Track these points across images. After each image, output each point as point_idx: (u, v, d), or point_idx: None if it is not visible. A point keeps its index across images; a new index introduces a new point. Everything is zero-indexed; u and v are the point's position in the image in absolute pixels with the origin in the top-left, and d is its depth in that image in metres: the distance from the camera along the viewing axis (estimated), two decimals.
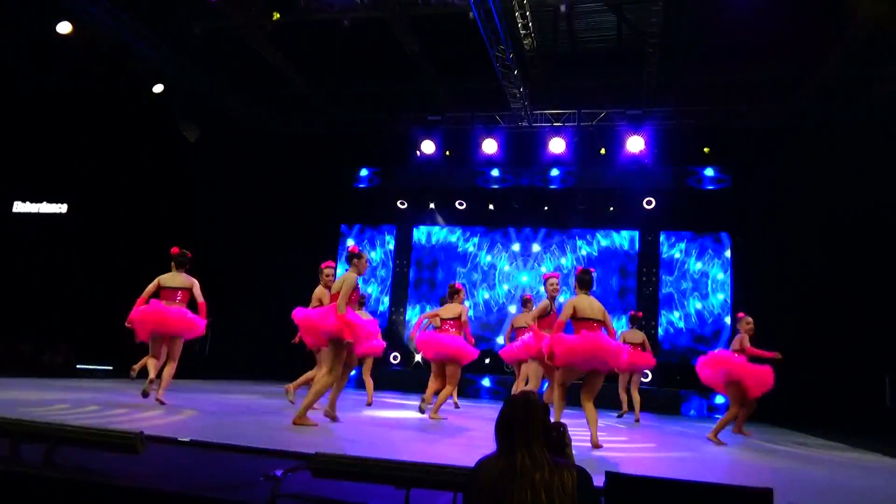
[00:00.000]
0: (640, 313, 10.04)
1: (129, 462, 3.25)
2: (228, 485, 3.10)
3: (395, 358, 13.49)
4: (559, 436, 2.27)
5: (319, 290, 7.22)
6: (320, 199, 14.07)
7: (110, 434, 3.13)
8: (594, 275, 5.98)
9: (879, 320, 10.33)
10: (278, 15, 9.60)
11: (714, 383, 7.18)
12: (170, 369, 6.54)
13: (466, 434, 5.91)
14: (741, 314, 7.35)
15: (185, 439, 4.03)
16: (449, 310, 7.57)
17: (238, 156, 13.42)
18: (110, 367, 11.43)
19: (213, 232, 12.99)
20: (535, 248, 13.68)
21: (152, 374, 6.42)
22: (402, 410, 8.16)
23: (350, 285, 5.64)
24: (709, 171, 12.71)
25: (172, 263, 6.91)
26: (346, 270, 5.87)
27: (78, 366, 11.08)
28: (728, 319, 12.30)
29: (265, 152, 13.70)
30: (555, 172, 13.40)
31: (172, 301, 6.64)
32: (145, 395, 6.29)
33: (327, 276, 7.20)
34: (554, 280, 6.49)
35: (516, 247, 13.78)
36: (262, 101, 13.23)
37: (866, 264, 10.65)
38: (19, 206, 13.91)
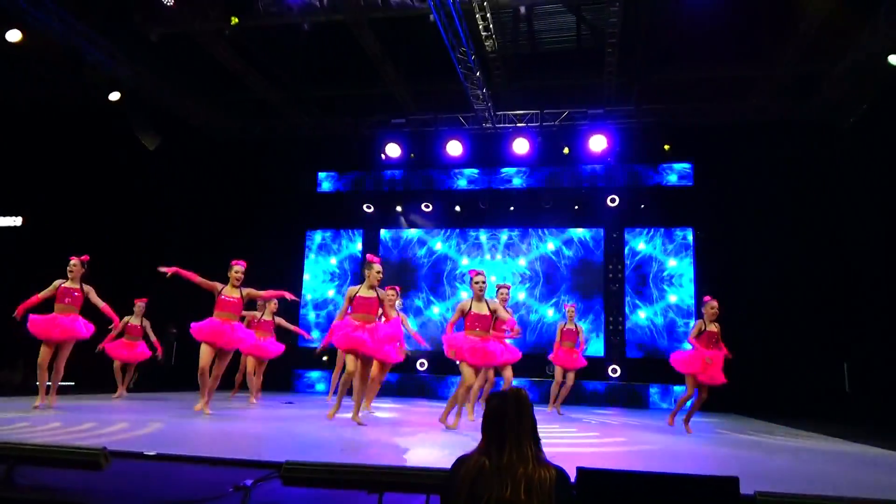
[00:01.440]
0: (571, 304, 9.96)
1: (92, 479, 3.17)
2: (197, 497, 3.04)
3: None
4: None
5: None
6: (285, 205, 13.93)
7: (72, 451, 3.05)
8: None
9: (837, 310, 10.65)
10: (236, 20, 9.50)
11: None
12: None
13: (439, 435, 5.90)
14: (707, 297, 7.39)
15: (151, 453, 3.94)
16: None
17: (200, 163, 13.22)
18: (72, 384, 11.12)
19: (176, 240, 12.76)
20: (501, 249, 13.75)
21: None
22: (380, 412, 8.11)
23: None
24: (670, 168, 12.93)
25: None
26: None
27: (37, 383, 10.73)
28: (692, 311, 12.53)
29: (227, 159, 13.51)
30: (517, 173, 13.48)
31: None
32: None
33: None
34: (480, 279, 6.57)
35: (483, 248, 13.83)
36: (223, 107, 13.05)
37: (824, 255, 10.97)
38: None
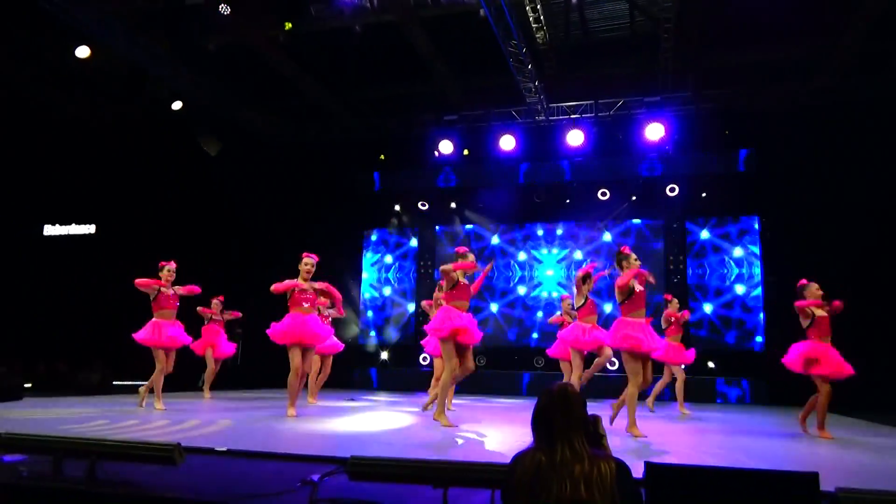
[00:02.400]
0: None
1: (168, 474, 3.29)
2: (266, 492, 3.11)
3: (424, 359, 13.50)
4: (595, 428, 2.25)
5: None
6: (342, 206, 14.13)
7: (149, 447, 3.17)
8: None
9: None
10: (290, 25, 9.68)
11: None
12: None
13: (501, 431, 5.88)
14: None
15: (222, 449, 4.06)
16: None
17: (259, 167, 13.55)
18: (145, 383, 11.59)
19: (239, 244, 13.13)
20: (557, 242, 13.61)
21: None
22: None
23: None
24: (731, 155, 12.50)
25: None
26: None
27: (114, 382, 11.26)
28: (759, 303, 12.10)
29: (285, 162, 13.81)
30: (572, 165, 13.29)
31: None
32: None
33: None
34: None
35: (540, 241, 13.71)
36: (279, 112, 13.35)
37: (892, 238, 10.40)
38: (49, 230, 14.24)
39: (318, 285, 7.10)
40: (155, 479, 3.20)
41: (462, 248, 6.36)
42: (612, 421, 6.00)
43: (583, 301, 7.15)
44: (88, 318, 12.81)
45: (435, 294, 8.15)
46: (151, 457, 3.12)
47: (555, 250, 13.60)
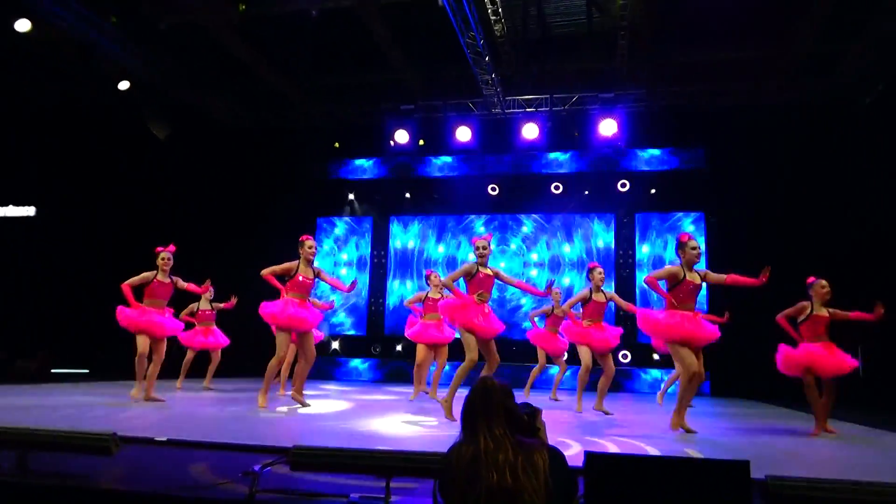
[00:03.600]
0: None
1: (103, 464, 3.20)
2: (206, 483, 3.06)
3: (375, 349, 13.47)
4: (530, 419, 2.30)
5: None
6: (296, 193, 13.94)
7: (83, 436, 3.07)
8: None
9: (852, 294, 10.49)
10: (244, 7, 9.46)
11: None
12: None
13: (445, 420, 5.90)
14: (812, 278, 7.51)
15: (162, 438, 3.97)
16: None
17: (210, 152, 13.24)
18: (86, 371, 11.26)
19: (188, 231, 12.82)
20: (510, 234, 13.71)
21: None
22: (382, 394, 8.13)
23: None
24: (682, 153, 12.78)
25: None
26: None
27: (53, 370, 10.89)
28: (704, 297, 12.44)
29: (238, 148, 13.52)
30: (527, 158, 13.39)
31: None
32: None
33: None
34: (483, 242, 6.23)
35: (492, 233, 13.79)
36: (233, 96, 13.05)
37: (840, 238, 10.81)
38: None
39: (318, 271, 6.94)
40: (90, 470, 3.11)
41: (477, 239, 6.20)
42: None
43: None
44: (26, 305, 12.34)
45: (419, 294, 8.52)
46: (86, 447, 3.02)
47: (513, 245, 13.69)
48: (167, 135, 12.10)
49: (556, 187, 13.20)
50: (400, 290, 13.92)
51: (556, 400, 8.97)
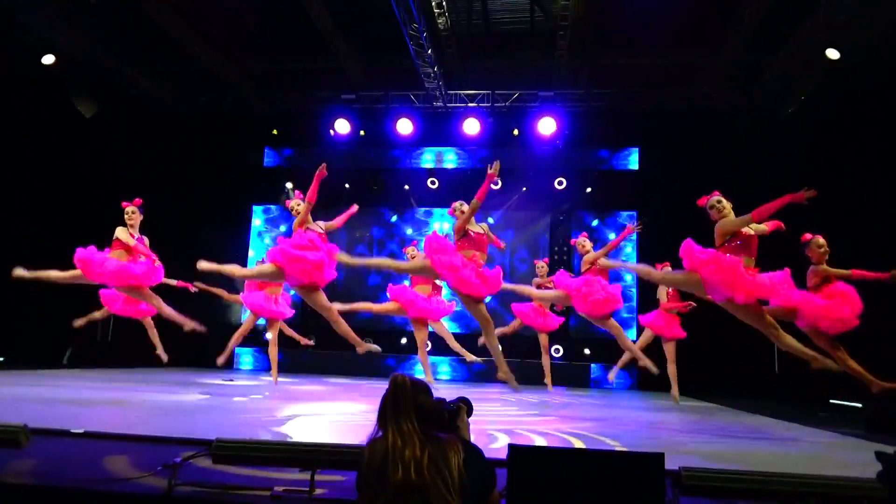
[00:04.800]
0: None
1: (12, 457, 3.05)
2: (124, 476, 2.96)
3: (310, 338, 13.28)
4: (451, 415, 2.31)
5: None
6: (230, 179, 13.59)
7: None
8: None
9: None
10: None
11: None
12: None
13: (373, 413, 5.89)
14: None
15: (78, 430, 3.81)
16: None
17: (141, 133, 12.73)
18: (1, 359, 10.69)
19: (115, 215, 12.30)
20: (448, 228, 13.76)
21: None
22: (307, 385, 8.06)
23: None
24: (618, 153, 13.12)
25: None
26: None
27: None
28: (633, 293, 12.83)
29: (170, 130, 13.05)
30: (467, 153, 13.47)
31: None
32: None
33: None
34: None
35: (429, 227, 13.82)
36: (167, 76, 12.58)
37: (760, 240, 11.31)
38: None
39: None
40: None
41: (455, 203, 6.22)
42: None
43: None
44: None
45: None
46: None
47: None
48: (94, 113, 11.55)
49: (495, 182, 13.29)
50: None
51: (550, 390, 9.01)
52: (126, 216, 7.01)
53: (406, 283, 8.75)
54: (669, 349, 8.43)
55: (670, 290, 8.36)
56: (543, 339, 9.13)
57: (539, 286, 9.06)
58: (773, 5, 9.05)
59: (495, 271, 6.16)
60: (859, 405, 7.74)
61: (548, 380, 9.33)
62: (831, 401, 9.27)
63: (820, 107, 10.20)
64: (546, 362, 9.20)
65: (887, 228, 9.18)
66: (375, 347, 6.57)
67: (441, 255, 5.81)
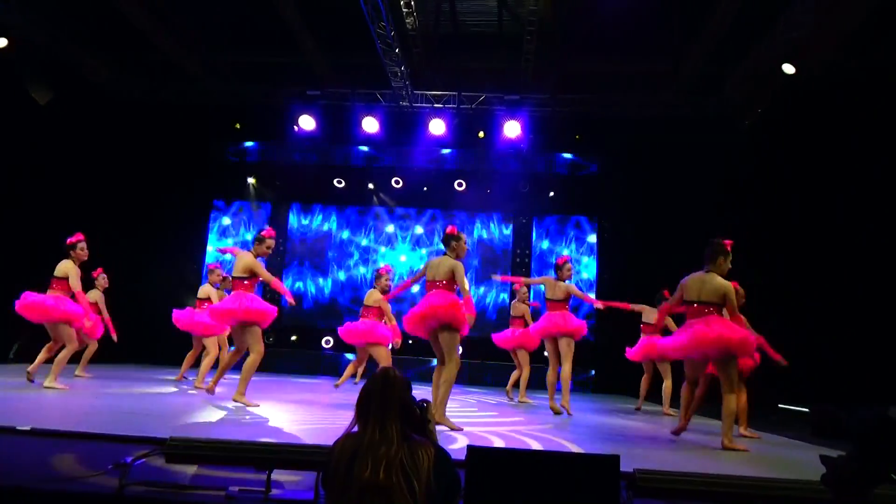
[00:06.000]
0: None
1: None
2: (73, 475, 2.88)
3: (269, 339, 13.13)
4: (422, 412, 2.28)
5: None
6: (192, 173, 13.32)
7: None
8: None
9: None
10: None
11: None
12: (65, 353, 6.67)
13: (335, 414, 5.86)
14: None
15: (25, 427, 3.69)
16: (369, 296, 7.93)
17: (99, 124, 12.36)
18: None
19: (70, 207, 11.96)
20: (417, 229, 13.77)
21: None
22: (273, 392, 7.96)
23: (462, 271, 5.53)
24: (580, 158, 13.29)
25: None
26: (444, 254, 5.65)
27: None
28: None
29: (130, 121, 12.71)
30: (432, 154, 13.49)
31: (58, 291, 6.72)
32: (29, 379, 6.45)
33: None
34: None
35: (391, 227, 13.80)
36: (127, 66, 12.25)
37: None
38: None
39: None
40: None
41: (453, 230, 5.77)
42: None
43: None
44: None
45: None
46: None
47: (410, 238, 13.73)
48: (48, 100, 11.18)
49: (459, 184, 13.37)
50: (292, 281, 13.64)
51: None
52: (79, 251, 6.87)
53: None
54: (665, 367, 8.48)
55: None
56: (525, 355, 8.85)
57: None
58: (733, 20, 9.29)
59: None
60: (806, 410, 7.99)
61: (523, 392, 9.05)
62: (780, 405, 9.54)
63: (776, 120, 10.50)
64: (526, 376, 8.89)
65: (844, 237, 9.48)
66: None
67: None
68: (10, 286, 7.63)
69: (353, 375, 9.04)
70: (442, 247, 5.79)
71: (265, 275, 6.23)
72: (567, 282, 7.27)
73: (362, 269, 13.67)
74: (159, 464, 2.87)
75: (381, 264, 10.23)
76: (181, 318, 8.15)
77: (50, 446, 3.44)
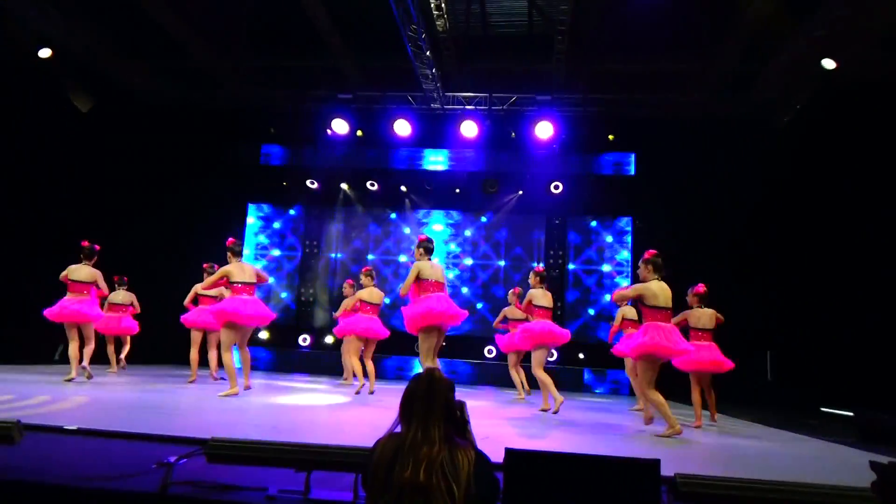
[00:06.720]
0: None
1: (5, 453, 3.02)
2: (118, 474, 2.94)
3: (304, 340, 13.28)
4: (461, 412, 2.29)
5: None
6: (226, 177, 13.55)
7: None
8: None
9: (762, 301, 11.10)
10: None
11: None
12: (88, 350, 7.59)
13: (371, 416, 5.89)
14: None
15: (72, 427, 3.79)
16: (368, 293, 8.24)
17: (136, 129, 12.66)
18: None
19: (109, 211, 12.26)
20: (444, 229, 13.77)
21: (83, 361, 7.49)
22: (312, 394, 8.04)
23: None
24: (614, 158, 13.16)
25: (81, 255, 7.57)
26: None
27: None
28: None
29: (165, 126, 12.99)
30: (464, 156, 13.48)
31: (81, 294, 7.48)
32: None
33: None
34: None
35: (425, 228, 13.82)
36: (163, 72, 12.52)
37: (752, 248, 11.39)
38: None
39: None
40: None
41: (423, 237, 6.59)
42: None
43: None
44: None
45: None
46: None
47: (445, 241, 13.75)
48: (90, 108, 11.48)
49: (491, 186, 13.33)
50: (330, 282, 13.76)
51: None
52: (90, 254, 7.66)
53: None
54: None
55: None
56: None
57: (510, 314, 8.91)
58: (768, 15, 9.10)
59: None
60: (851, 414, 7.78)
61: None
62: (822, 409, 9.31)
63: (815, 117, 10.26)
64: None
65: (884, 234, 9.24)
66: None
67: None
68: (51, 290, 7.91)
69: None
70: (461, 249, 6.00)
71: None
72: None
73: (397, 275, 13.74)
74: (200, 463, 2.92)
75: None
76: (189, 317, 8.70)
77: (95, 446, 3.53)
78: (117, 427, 3.96)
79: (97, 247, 7.70)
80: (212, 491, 2.73)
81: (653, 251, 6.09)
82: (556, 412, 6.90)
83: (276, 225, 14.23)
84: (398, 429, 2.11)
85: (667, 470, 2.46)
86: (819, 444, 5.98)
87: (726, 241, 11.60)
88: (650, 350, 5.55)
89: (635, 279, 12.76)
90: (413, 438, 1.99)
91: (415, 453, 1.96)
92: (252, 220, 14.20)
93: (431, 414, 2.04)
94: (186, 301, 8.67)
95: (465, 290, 13.43)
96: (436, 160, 13.65)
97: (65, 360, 7.96)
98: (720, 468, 4.09)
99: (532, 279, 7.56)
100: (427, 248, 6.47)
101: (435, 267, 6.43)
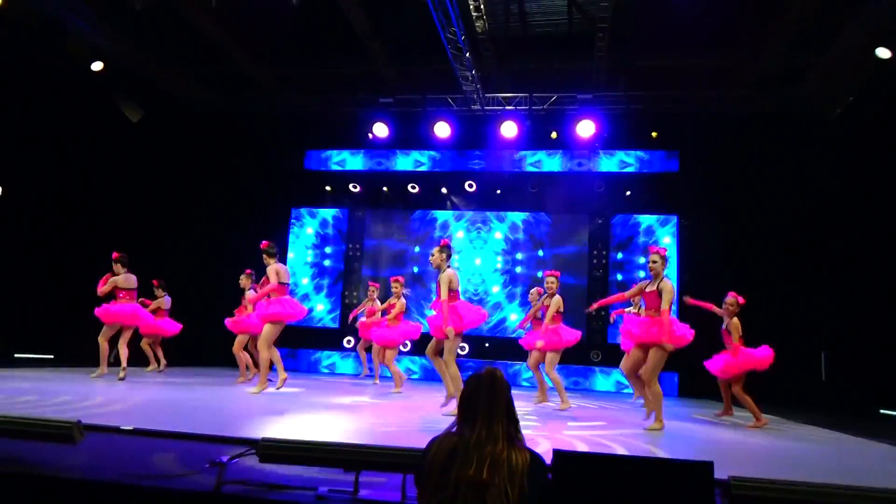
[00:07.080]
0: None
1: (66, 452, 3.14)
2: (172, 473, 3.03)
3: (348, 342, 13.42)
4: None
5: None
6: (270, 182, 13.80)
7: (45, 423, 3.01)
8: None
9: (817, 300, 10.75)
10: None
11: None
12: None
13: (418, 416, 5.92)
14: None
15: (128, 427, 3.91)
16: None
17: (183, 137, 13.03)
18: (51, 356, 11.03)
19: (159, 217, 12.62)
20: (485, 231, 13.75)
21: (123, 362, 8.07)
22: (356, 396, 8.12)
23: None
24: (657, 155, 12.92)
25: (119, 265, 8.21)
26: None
27: (17, 355, 10.67)
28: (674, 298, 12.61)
29: (211, 134, 13.32)
30: (505, 156, 13.42)
31: (133, 300, 8.33)
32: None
33: None
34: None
35: (468, 230, 13.81)
36: (208, 81, 12.84)
37: (804, 246, 11.06)
38: None
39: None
40: (52, 457, 3.05)
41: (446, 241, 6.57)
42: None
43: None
44: None
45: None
46: (48, 434, 2.96)
47: (488, 242, 13.73)
48: (139, 118, 11.84)
49: (533, 186, 13.26)
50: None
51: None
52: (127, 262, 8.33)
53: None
54: None
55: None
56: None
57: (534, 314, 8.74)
58: (814, 6, 8.82)
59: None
60: None
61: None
62: (882, 411, 8.98)
63: (870, 108, 9.90)
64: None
65: None
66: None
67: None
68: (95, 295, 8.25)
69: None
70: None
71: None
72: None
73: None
74: (251, 463, 2.98)
75: None
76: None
77: (150, 445, 3.63)
78: (171, 427, 4.07)
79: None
80: (264, 490, 2.78)
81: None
82: (562, 410, 7.32)
83: (320, 229, 14.41)
84: (454, 428, 2.12)
85: (720, 472, 2.41)
86: (875, 446, 5.76)
87: (777, 238, 11.29)
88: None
89: (681, 278, 12.56)
90: (478, 437, 2.01)
91: (479, 451, 1.97)
92: (297, 225, 14.41)
93: (495, 412, 2.06)
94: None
95: (500, 290, 13.36)
96: (477, 161, 13.63)
97: (117, 362, 8.25)
98: (773, 471, 3.98)
99: (555, 284, 7.82)
100: (450, 253, 6.48)
101: (456, 274, 6.49)
